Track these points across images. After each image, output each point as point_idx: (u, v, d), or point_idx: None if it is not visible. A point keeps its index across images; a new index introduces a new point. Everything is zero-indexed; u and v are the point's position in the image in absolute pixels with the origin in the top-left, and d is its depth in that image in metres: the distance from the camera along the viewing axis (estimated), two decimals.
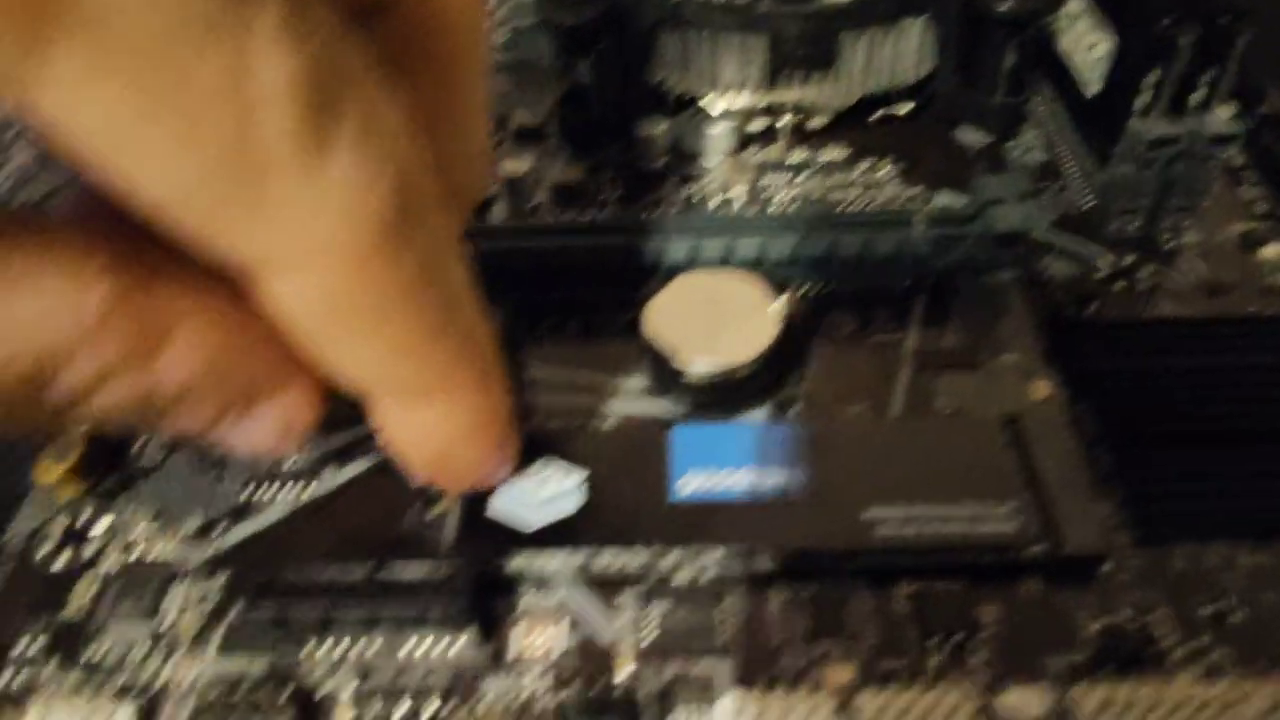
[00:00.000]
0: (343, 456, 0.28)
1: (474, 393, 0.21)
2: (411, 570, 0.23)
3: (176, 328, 0.18)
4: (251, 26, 0.13)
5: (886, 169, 0.39)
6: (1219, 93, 0.32)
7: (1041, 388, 0.30)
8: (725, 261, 0.32)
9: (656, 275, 0.31)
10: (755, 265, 0.32)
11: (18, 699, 0.23)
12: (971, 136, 0.40)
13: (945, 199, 0.36)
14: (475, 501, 0.26)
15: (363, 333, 0.18)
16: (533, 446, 0.26)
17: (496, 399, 0.22)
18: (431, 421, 0.20)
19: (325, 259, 0.16)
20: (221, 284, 0.19)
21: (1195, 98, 0.32)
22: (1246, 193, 0.37)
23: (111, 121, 0.13)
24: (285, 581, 0.23)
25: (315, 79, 0.14)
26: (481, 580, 0.25)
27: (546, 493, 0.26)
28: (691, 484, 0.26)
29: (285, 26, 0.14)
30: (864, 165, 0.39)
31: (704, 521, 0.25)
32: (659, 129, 0.39)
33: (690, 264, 0.32)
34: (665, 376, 0.29)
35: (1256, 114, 0.37)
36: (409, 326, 0.18)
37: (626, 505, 0.25)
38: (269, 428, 0.21)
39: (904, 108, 0.41)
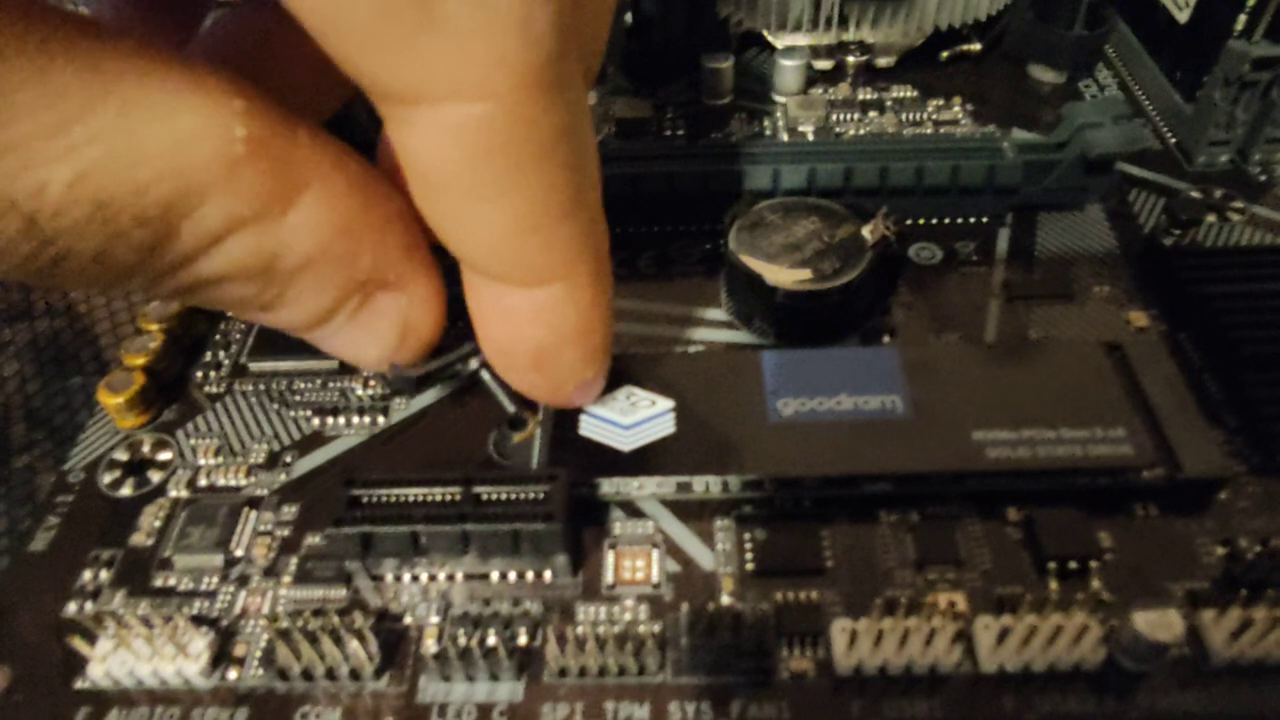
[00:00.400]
0: (419, 385, 0.27)
1: (589, 286, 0.20)
2: (504, 489, 0.22)
3: (314, 183, 0.17)
4: None
5: (957, 108, 0.38)
6: None
7: (1138, 317, 0.29)
8: (808, 189, 0.31)
9: (740, 202, 0.30)
10: (839, 194, 0.31)
11: (88, 630, 0.22)
12: (1045, 74, 0.39)
13: (1020, 137, 0.35)
14: (562, 426, 0.24)
15: (502, 187, 0.17)
16: (617, 372, 0.25)
17: (606, 302, 0.21)
18: (543, 307, 0.20)
19: (486, 85, 0.15)
20: (357, 156, 0.18)
21: None
22: None
23: None
24: (372, 501, 0.22)
25: None
26: (574, 504, 0.23)
27: (638, 416, 0.25)
28: (790, 406, 0.25)
29: None
30: (934, 104, 0.38)
31: (805, 445, 0.24)
32: (724, 65, 0.37)
33: (771, 192, 0.31)
34: (752, 302, 0.28)
35: None
36: (547, 190, 0.17)
37: (723, 429, 0.24)
38: (387, 327, 0.20)
39: (975, 46, 0.40)
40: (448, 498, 0.22)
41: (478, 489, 0.22)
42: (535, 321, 0.20)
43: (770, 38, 0.39)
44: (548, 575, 0.23)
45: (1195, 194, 0.33)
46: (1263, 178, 0.33)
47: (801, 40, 0.39)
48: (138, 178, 0.15)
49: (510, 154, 0.16)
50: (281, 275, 0.18)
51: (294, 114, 0.17)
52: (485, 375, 0.27)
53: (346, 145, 0.18)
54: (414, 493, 0.22)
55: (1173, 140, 0.35)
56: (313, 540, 0.24)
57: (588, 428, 0.24)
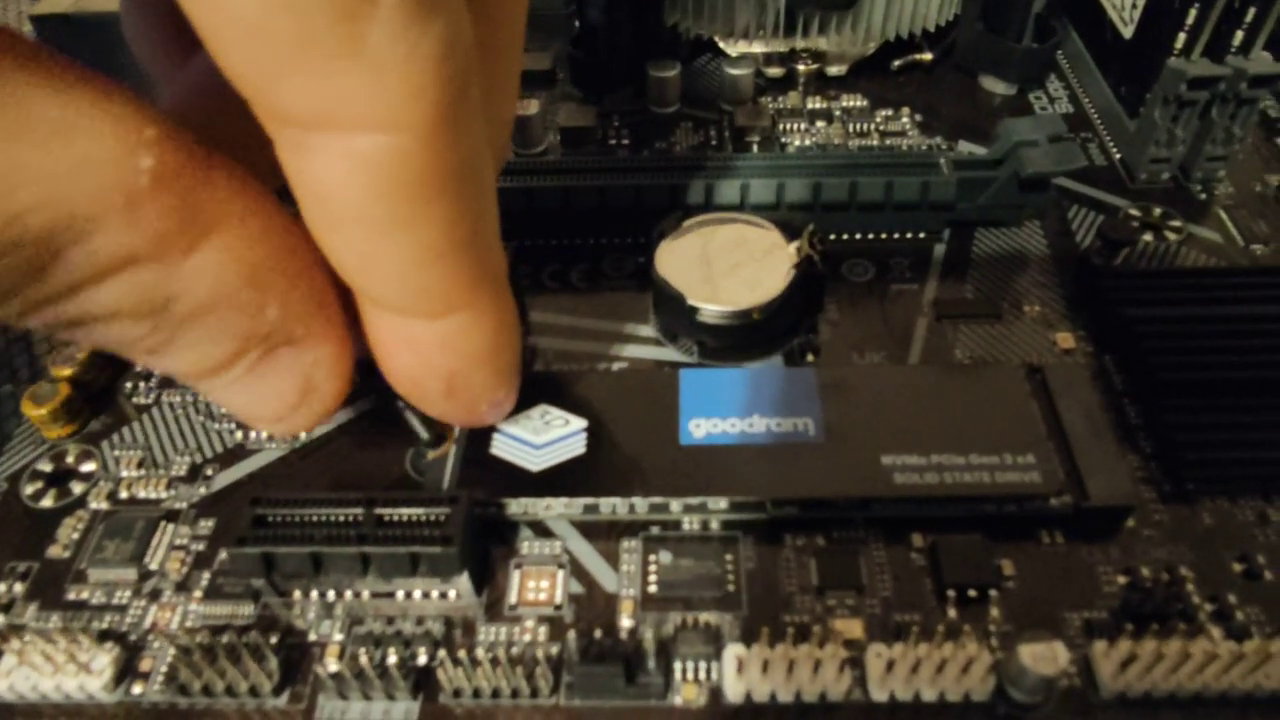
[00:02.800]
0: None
1: (492, 310, 0.20)
2: (405, 511, 0.22)
3: (224, 226, 0.16)
4: None
5: (905, 119, 0.37)
6: (1261, 35, 0.30)
7: (1066, 338, 0.29)
8: (741, 204, 0.31)
9: (670, 217, 0.30)
10: (772, 209, 0.31)
11: None
12: (995, 86, 0.38)
13: (967, 149, 0.35)
14: (475, 444, 0.25)
15: (407, 219, 0.17)
16: (536, 389, 0.25)
17: (511, 323, 0.21)
18: (450, 336, 0.20)
19: (401, 117, 0.15)
20: (275, 202, 0.18)
21: (1235, 40, 0.31)
22: None
23: None
24: (276, 520, 0.22)
25: None
26: (477, 524, 0.24)
27: (550, 435, 0.25)
28: (702, 428, 0.25)
29: None
30: (883, 114, 0.38)
31: (715, 467, 0.24)
32: (670, 74, 0.37)
33: (704, 207, 0.31)
34: (676, 320, 0.28)
35: None
36: (451, 220, 0.17)
37: (634, 450, 0.24)
38: (288, 386, 0.20)
39: (926, 56, 0.39)
40: (350, 518, 0.22)
41: (380, 510, 0.22)
42: (443, 351, 0.20)
43: (724, 45, 0.39)
44: (452, 594, 0.23)
45: (1134, 212, 0.32)
46: (1203, 196, 0.33)
47: (754, 48, 0.39)
48: (17, 200, 0.14)
49: (418, 185, 0.16)
50: (175, 320, 0.17)
51: (217, 153, 0.17)
52: (400, 403, 0.27)
53: (264, 189, 0.18)
54: (318, 513, 0.22)
55: (1118, 156, 0.35)
56: (224, 556, 0.25)
57: (500, 447, 0.25)
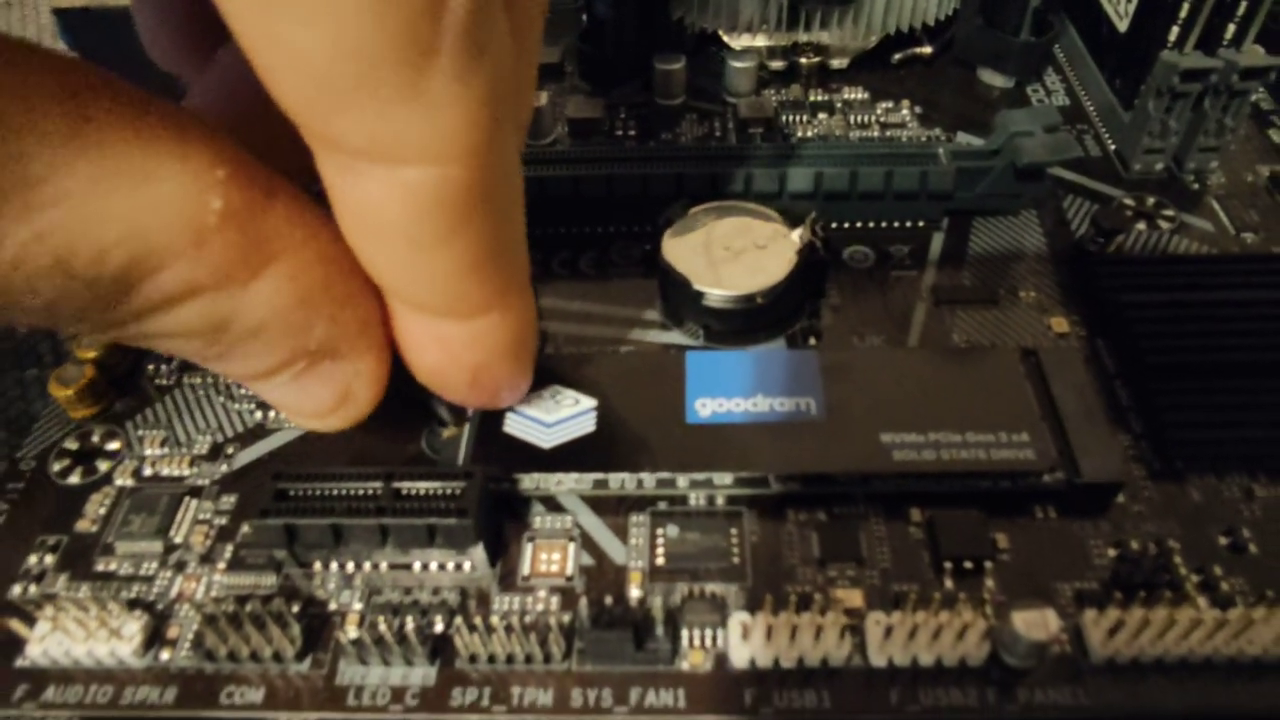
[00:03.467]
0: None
1: (519, 310, 0.21)
2: (422, 485, 0.23)
3: (282, 256, 0.18)
4: None
5: (906, 111, 0.38)
6: (1252, 28, 0.31)
7: (1060, 323, 0.30)
8: (745, 193, 0.32)
9: (675, 205, 0.31)
10: (775, 198, 0.31)
11: (28, 611, 0.23)
12: (993, 79, 0.39)
13: (966, 141, 0.36)
14: (488, 423, 0.25)
15: (446, 236, 0.18)
16: (547, 371, 0.26)
17: (533, 318, 0.22)
18: (479, 334, 0.21)
19: (452, 150, 0.16)
20: (330, 226, 0.19)
21: (1227, 33, 0.31)
22: (1276, 135, 0.36)
23: None
24: (297, 494, 0.23)
25: None
26: (491, 498, 0.24)
27: (561, 414, 0.26)
28: (708, 407, 0.26)
29: None
30: (883, 106, 0.38)
31: (720, 445, 0.25)
32: (675, 67, 0.38)
33: (709, 196, 0.31)
34: (681, 305, 0.29)
35: None
36: (486, 235, 0.18)
37: (642, 428, 0.25)
38: (327, 394, 0.21)
39: (926, 49, 0.40)
40: (369, 492, 0.23)
41: (398, 484, 0.23)
42: (471, 347, 0.21)
43: (728, 39, 0.40)
44: (466, 566, 0.24)
45: (1128, 201, 0.33)
46: (1196, 186, 0.34)
47: (757, 41, 0.39)
48: (103, 240, 0.15)
49: (458, 209, 0.17)
50: (232, 337, 0.18)
51: (277, 178, 0.18)
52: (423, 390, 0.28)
53: (322, 213, 0.19)
54: (338, 487, 0.23)
55: (1113, 147, 0.36)
56: (247, 529, 0.26)
57: (512, 425, 0.25)
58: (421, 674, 0.23)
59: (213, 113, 0.20)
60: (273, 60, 0.14)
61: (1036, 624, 0.21)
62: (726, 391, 0.26)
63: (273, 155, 0.18)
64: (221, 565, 0.25)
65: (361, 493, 0.23)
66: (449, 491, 0.23)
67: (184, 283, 0.17)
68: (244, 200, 0.17)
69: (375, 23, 0.14)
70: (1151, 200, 0.33)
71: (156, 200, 0.15)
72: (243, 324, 0.18)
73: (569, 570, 0.24)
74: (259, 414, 0.28)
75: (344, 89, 0.15)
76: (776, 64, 0.40)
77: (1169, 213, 0.33)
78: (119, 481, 0.27)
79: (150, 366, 0.30)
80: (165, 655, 0.23)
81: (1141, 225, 0.32)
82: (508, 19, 0.17)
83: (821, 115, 0.38)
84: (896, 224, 0.33)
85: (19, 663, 0.23)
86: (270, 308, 0.18)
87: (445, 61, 0.15)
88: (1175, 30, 0.32)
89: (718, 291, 0.28)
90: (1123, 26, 0.35)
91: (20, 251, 0.14)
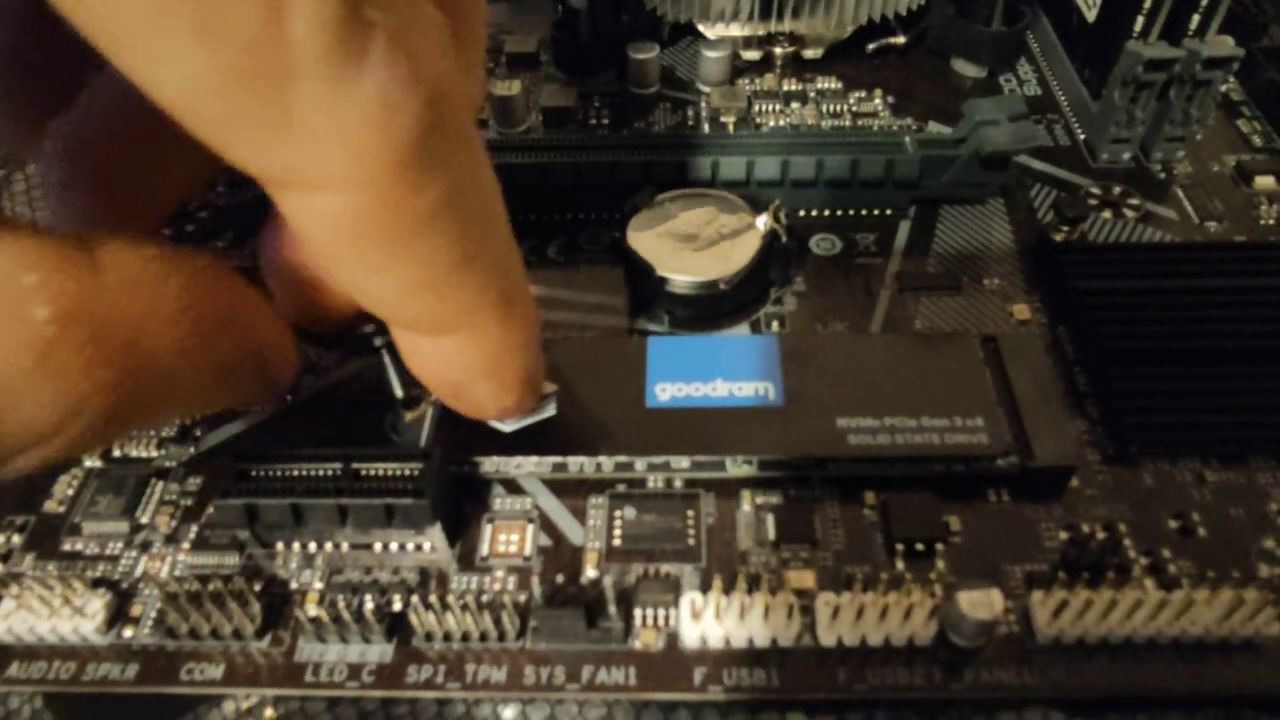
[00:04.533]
0: (320, 368, 0.29)
1: (494, 328, 0.19)
2: (380, 466, 0.23)
3: (151, 326, 0.16)
4: None
5: (878, 100, 0.38)
6: (1215, 18, 0.31)
7: (1022, 310, 0.30)
8: (712, 181, 0.32)
9: (641, 193, 0.31)
10: (742, 185, 0.32)
11: None
12: (966, 69, 0.39)
13: (937, 130, 0.36)
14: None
15: (383, 261, 0.16)
16: None
17: (519, 332, 0.20)
18: (449, 353, 0.20)
19: (349, 179, 0.15)
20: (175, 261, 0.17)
21: (1192, 23, 0.32)
22: (1244, 126, 0.37)
23: (131, 6, 0.12)
24: (258, 474, 0.24)
25: None
26: (450, 480, 0.25)
27: None
28: (668, 392, 0.26)
29: None
30: (856, 96, 0.39)
31: (678, 429, 0.25)
32: (649, 56, 0.38)
33: (677, 183, 0.32)
34: (647, 291, 0.30)
35: (1256, 47, 0.37)
36: (432, 257, 0.17)
37: (602, 412, 0.26)
38: (259, 390, 0.20)
39: (899, 39, 0.40)
40: (329, 473, 0.24)
41: (356, 465, 0.23)
42: (445, 365, 0.20)
43: (702, 29, 0.40)
44: (426, 546, 0.24)
45: (1094, 190, 0.34)
46: (1162, 175, 0.34)
47: (732, 31, 0.40)
48: None
49: (384, 234, 0.16)
50: (132, 421, 0.17)
51: (94, 240, 0.16)
52: (386, 357, 0.28)
53: (160, 249, 0.17)
54: (298, 468, 0.24)
55: (1082, 137, 0.36)
56: (211, 510, 0.26)
57: None
58: (379, 651, 0.23)
59: (62, 179, 0.20)
60: (153, 97, 0.14)
61: (981, 604, 0.21)
62: (687, 376, 0.26)
63: (147, 197, 0.18)
64: (186, 545, 0.25)
65: (321, 473, 0.24)
66: (406, 472, 0.23)
67: (49, 402, 0.15)
68: (70, 294, 0.15)
69: (209, 58, 0.13)
70: (1118, 189, 0.34)
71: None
72: (135, 412, 0.16)
73: (527, 551, 0.25)
74: None
75: (216, 124, 0.14)
76: (751, 54, 0.40)
77: (1134, 202, 0.33)
78: (87, 463, 0.27)
79: None
80: (128, 633, 0.24)
81: (1107, 214, 0.33)
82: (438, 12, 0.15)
83: (795, 105, 0.38)
84: (864, 212, 0.33)
85: None
86: (160, 372, 0.16)
87: (309, 86, 0.13)
88: (1140, 20, 0.32)
89: (682, 278, 0.29)
90: (1091, 16, 0.35)
91: None
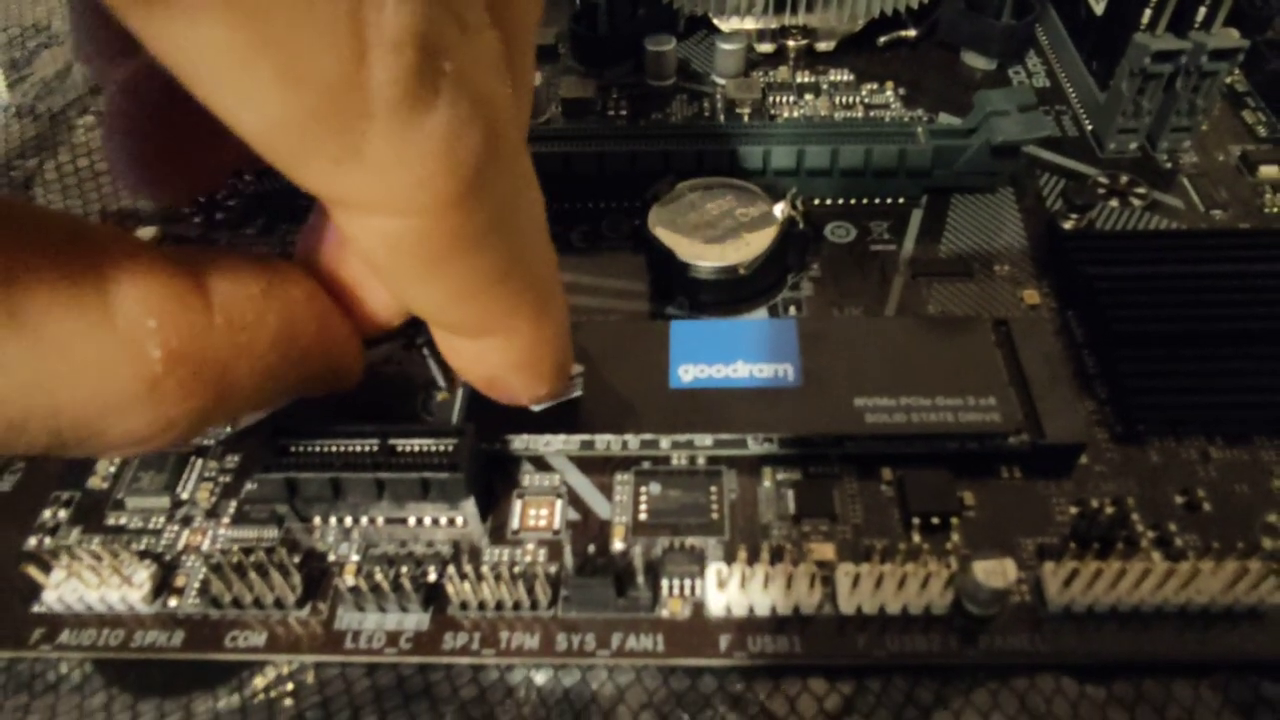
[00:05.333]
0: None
1: (530, 327, 0.21)
2: (416, 442, 0.24)
3: (239, 362, 0.18)
4: None
5: (890, 92, 0.39)
6: (1221, 10, 0.32)
7: (1031, 295, 0.31)
8: (730, 170, 0.33)
9: (662, 181, 0.32)
10: (759, 174, 0.33)
11: (44, 560, 0.25)
12: (976, 61, 0.40)
13: (947, 122, 0.37)
14: None
15: (433, 275, 0.18)
16: None
17: (552, 328, 0.22)
18: (485, 351, 0.21)
19: (410, 206, 0.16)
20: (275, 290, 0.19)
21: (1198, 16, 0.32)
22: (1249, 117, 0.37)
23: (220, 51, 0.13)
24: (298, 450, 0.24)
25: (431, 26, 0.14)
26: (482, 456, 0.26)
27: None
28: (690, 373, 0.27)
29: None
30: (868, 88, 0.39)
31: (701, 409, 0.26)
32: (666, 48, 0.39)
33: (695, 172, 0.33)
34: (668, 276, 0.30)
35: (1261, 39, 0.38)
36: (479, 271, 0.18)
37: (628, 393, 0.26)
38: (321, 391, 0.22)
39: (910, 32, 0.41)
40: (366, 448, 0.25)
41: (393, 441, 0.24)
42: (480, 362, 0.22)
43: (718, 22, 0.41)
44: (459, 520, 0.25)
45: (1102, 179, 0.34)
46: (1169, 165, 0.35)
47: (746, 24, 0.40)
48: (53, 402, 0.15)
49: (437, 252, 0.17)
50: (214, 422, 0.19)
51: (210, 278, 0.17)
52: (426, 353, 0.29)
53: (270, 272, 0.19)
54: (336, 444, 0.25)
55: (1089, 127, 0.37)
56: (251, 486, 0.27)
57: None
58: (415, 620, 0.24)
59: (129, 111, 0.21)
60: (229, 123, 0.14)
61: (995, 572, 0.22)
62: (708, 358, 0.27)
63: (194, 146, 0.19)
64: (226, 520, 0.26)
65: (359, 449, 0.24)
66: (442, 448, 0.24)
67: (148, 423, 0.17)
68: (183, 336, 0.17)
69: (290, 101, 0.13)
70: (1125, 178, 0.34)
71: (96, 363, 0.16)
72: (218, 420, 0.19)
73: (556, 525, 0.26)
74: None
75: (286, 154, 0.15)
76: (765, 47, 0.41)
77: (1141, 190, 0.34)
78: None
79: None
80: (173, 602, 0.24)
81: (1115, 203, 0.34)
82: (498, 47, 0.16)
83: (808, 96, 0.39)
84: (877, 200, 0.34)
85: (35, 608, 0.24)
86: (242, 400, 0.19)
87: (380, 125, 0.14)
88: (1148, 13, 0.33)
89: (702, 263, 0.30)
90: (1099, 9, 0.36)
91: None
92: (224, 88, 0.13)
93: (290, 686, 0.24)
